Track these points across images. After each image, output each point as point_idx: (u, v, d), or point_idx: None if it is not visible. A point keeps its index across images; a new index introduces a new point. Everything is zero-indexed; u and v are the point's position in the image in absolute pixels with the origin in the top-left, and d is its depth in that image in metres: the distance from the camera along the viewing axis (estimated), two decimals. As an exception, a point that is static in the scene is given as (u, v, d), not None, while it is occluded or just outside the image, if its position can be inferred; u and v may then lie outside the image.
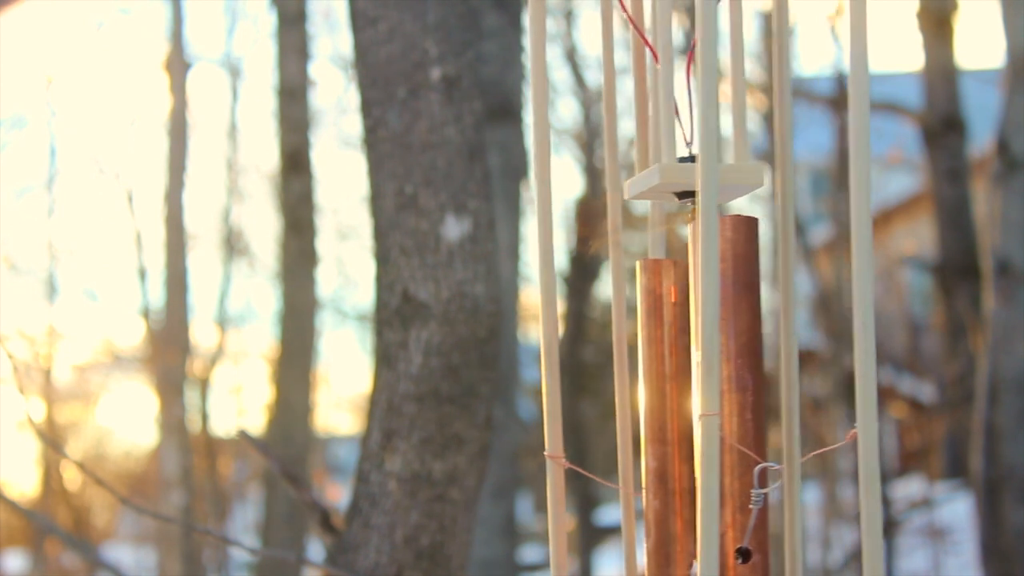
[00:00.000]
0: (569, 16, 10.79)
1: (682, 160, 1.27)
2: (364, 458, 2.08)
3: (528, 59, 5.32)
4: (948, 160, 8.13)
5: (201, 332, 12.47)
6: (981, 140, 9.56)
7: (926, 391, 10.51)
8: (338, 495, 14.41)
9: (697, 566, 1.27)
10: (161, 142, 11.43)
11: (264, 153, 15.05)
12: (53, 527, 2.73)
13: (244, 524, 14.07)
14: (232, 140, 12.15)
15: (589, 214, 10.62)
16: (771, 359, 3.17)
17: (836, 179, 8.18)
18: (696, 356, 1.23)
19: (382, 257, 2.09)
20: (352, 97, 11.73)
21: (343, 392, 17.65)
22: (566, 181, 14.91)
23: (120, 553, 15.07)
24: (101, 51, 21.39)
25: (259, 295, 17.99)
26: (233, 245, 12.35)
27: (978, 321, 6.71)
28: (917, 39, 8.34)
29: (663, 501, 1.29)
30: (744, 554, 1.21)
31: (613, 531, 11.96)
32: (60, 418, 13.55)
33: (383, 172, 2.08)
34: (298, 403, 6.80)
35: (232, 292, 13.03)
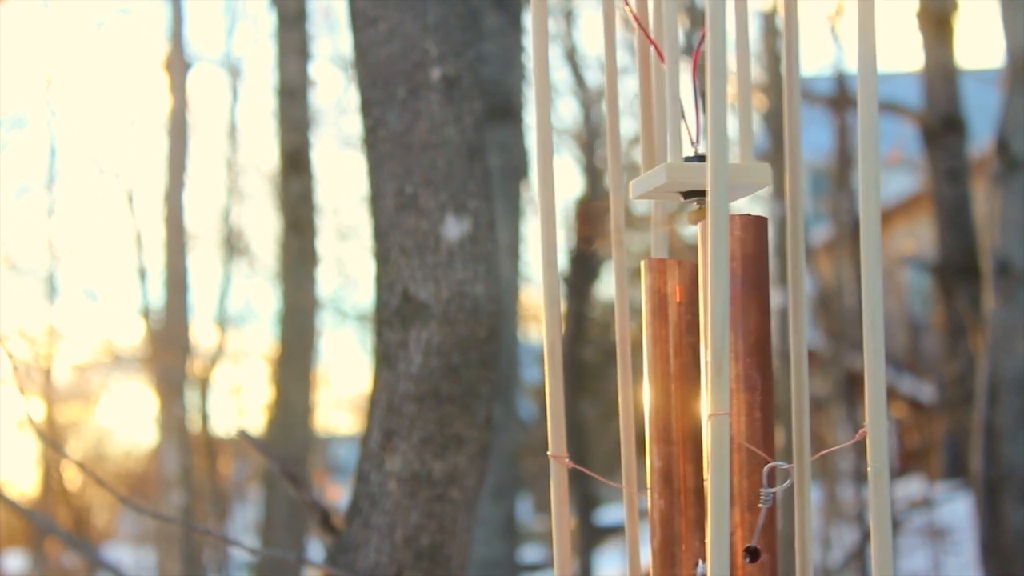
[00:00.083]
0: (569, 16, 10.79)
1: (688, 160, 1.27)
2: (364, 458, 2.08)
3: (528, 59, 5.34)
4: (948, 160, 8.13)
5: (201, 332, 12.47)
6: (981, 140, 9.56)
7: (926, 391, 10.51)
8: (338, 495, 14.41)
9: (703, 565, 1.27)
10: (161, 142, 11.44)
11: (264, 153, 15.05)
12: (53, 527, 2.73)
13: (244, 524, 14.07)
14: (232, 140, 12.15)
15: (589, 214, 10.62)
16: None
17: (836, 179, 8.18)
18: (704, 355, 1.23)
19: (382, 257, 2.09)
20: (352, 97, 11.73)
21: (343, 392, 17.66)
22: (566, 181, 14.92)
23: (120, 553, 15.06)
24: (101, 51, 21.39)
25: (259, 295, 17.99)
26: (233, 245, 12.34)
27: (978, 321, 6.71)
28: (917, 39, 8.35)
29: (668, 501, 1.29)
30: (752, 553, 1.20)
31: (613, 531, 11.96)
32: (60, 418, 13.55)
33: (383, 172, 2.08)
34: (298, 403, 6.79)
35: (232, 292, 13.02)
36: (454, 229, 2.04)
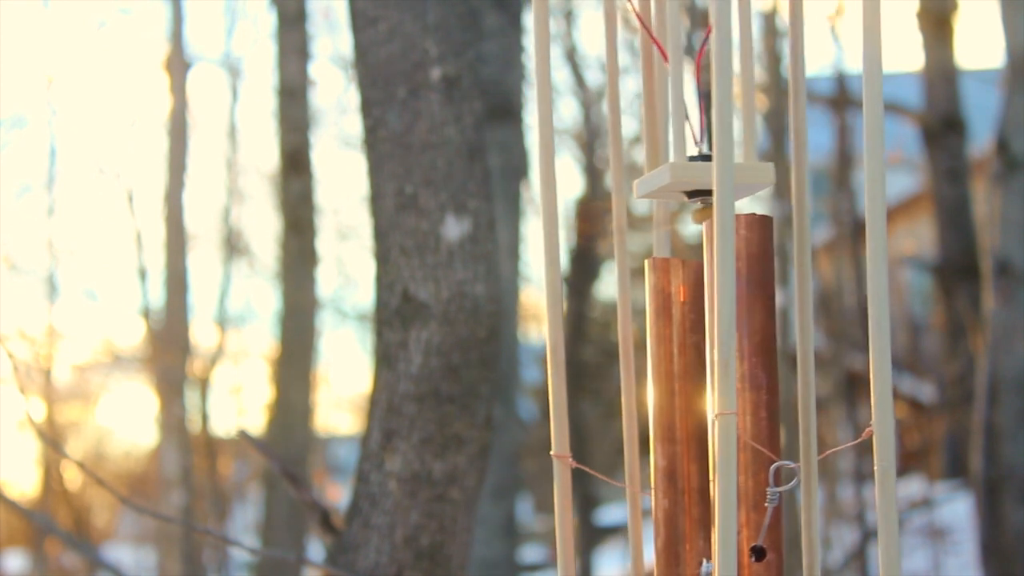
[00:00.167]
0: (569, 16, 10.79)
1: (692, 159, 1.27)
2: (364, 458, 2.08)
3: (528, 59, 5.34)
4: (948, 160, 8.13)
5: (201, 332, 12.47)
6: (981, 140, 9.56)
7: (926, 391, 10.51)
8: (338, 495, 14.41)
9: (707, 564, 1.27)
10: (161, 142, 11.43)
11: (264, 153, 15.06)
12: (53, 527, 2.73)
13: (244, 524, 14.07)
14: (232, 140, 12.15)
15: (589, 214, 10.62)
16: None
17: (836, 179, 8.19)
18: (709, 355, 1.23)
19: (382, 257, 2.09)
20: (352, 97, 11.73)
21: (343, 392, 17.66)
22: (566, 181, 14.92)
23: (120, 553, 15.07)
24: (101, 51, 21.39)
25: (259, 295, 18.00)
26: (233, 245, 12.35)
27: (978, 321, 6.71)
28: (917, 39, 8.35)
29: (672, 500, 1.29)
30: (758, 552, 1.20)
31: (613, 531, 11.96)
32: (60, 418, 13.54)
33: (383, 172, 2.08)
34: (298, 403, 6.79)
35: (232, 292, 13.03)
36: (454, 229, 2.04)
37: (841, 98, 7.69)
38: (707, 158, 1.27)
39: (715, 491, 1.19)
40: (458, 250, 2.04)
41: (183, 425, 8.76)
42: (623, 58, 10.55)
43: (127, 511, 13.13)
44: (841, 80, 7.74)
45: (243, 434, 2.38)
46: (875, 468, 1.18)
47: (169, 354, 8.74)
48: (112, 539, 16.83)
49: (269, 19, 10.62)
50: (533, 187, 8.08)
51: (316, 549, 8.20)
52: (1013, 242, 5.02)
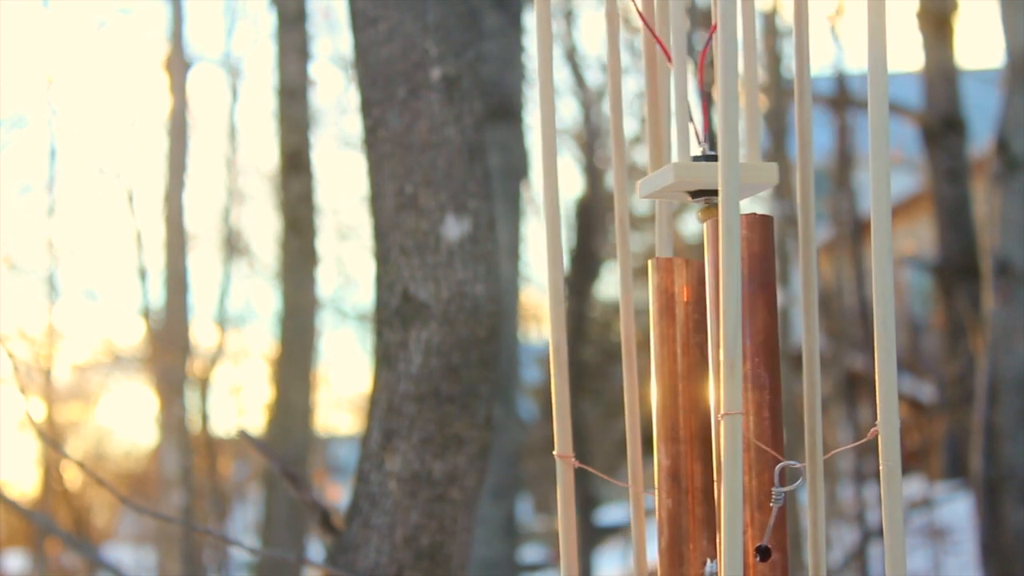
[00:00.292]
0: (569, 16, 10.79)
1: (696, 159, 1.27)
2: (364, 458, 2.08)
3: (528, 59, 5.32)
4: (948, 160, 8.13)
5: (201, 332, 12.47)
6: (981, 140, 9.56)
7: (926, 391, 10.51)
8: (338, 495, 14.41)
9: (711, 564, 1.27)
10: (161, 142, 11.43)
11: (264, 153, 15.06)
12: (53, 527, 2.73)
13: (244, 524, 14.07)
14: (232, 140, 12.15)
15: (590, 214, 10.62)
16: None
17: (836, 179, 8.19)
18: (711, 355, 1.23)
19: (382, 257, 2.09)
20: (352, 97, 11.73)
21: (343, 392, 17.66)
22: (566, 181, 14.92)
23: (120, 553, 15.07)
24: (102, 51, 21.40)
25: (259, 295, 18.00)
26: (233, 245, 12.34)
27: (978, 321, 6.71)
28: (917, 39, 8.36)
29: (676, 500, 1.29)
30: (763, 552, 1.20)
31: (613, 531, 11.96)
32: (60, 418, 13.54)
33: (383, 172, 2.08)
34: (298, 403, 6.79)
35: (232, 292, 13.02)
36: (454, 229, 2.04)
37: (841, 98, 7.69)
38: (711, 158, 1.27)
39: (719, 491, 1.19)
40: (458, 250, 2.04)
41: (183, 425, 8.76)
42: (623, 58, 10.55)
43: (127, 511, 13.13)
44: (841, 80, 7.74)
45: (243, 434, 2.38)
46: (880, 468, 1.18)
47: (169, 354, 8.74)
48: (112, 539, 16.84)
49: (269, 19, 10.62)
50: (533, 187, 8.08)
51: (316, 549, 8.20)
52: (1013, 242, 5.02)
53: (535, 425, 11.87)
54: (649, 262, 1.33)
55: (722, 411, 1.13)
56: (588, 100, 10.91)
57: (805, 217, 1.31)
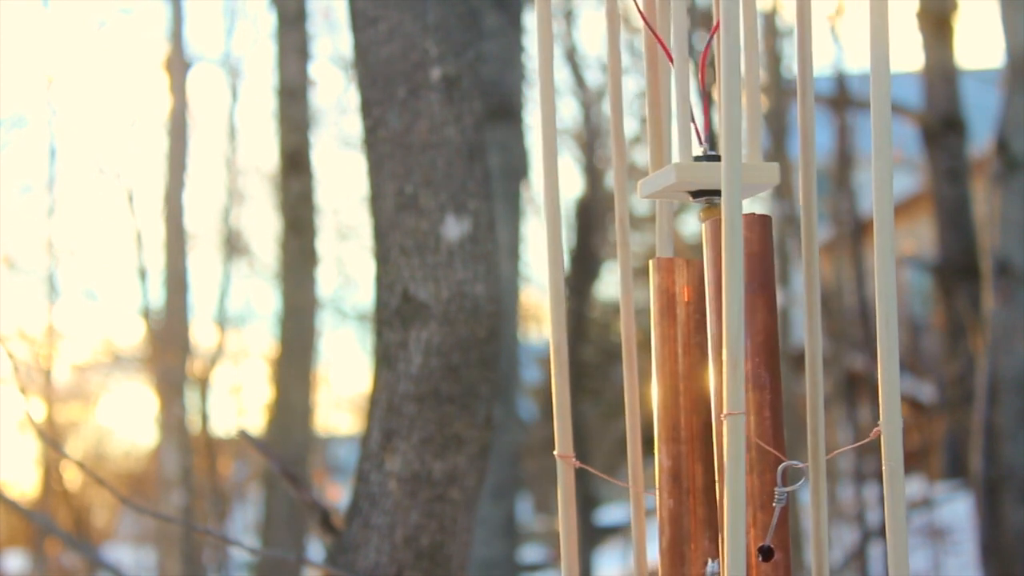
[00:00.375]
0: (569, 16, 10.79)
1: (697, 159, 1.27)
2: (364, 458, 2.08)
3: (528, 59, 5.32)
4: (948, 160, 8.13)
5: (201, 332, 12.47)
6: (981, 140, 9.56)
7: (926, 391, 10.51)
8: (338, 495, 14.41)
9: (712, 564, 1.27)
10: (161, 142, 11.43)
11: (264, 153, 15.07)
12: (53, 527, 2.73)
13: (244, 524, 14.07)
14: (232, 140, 12.15)
15: (589, 214, 10.62)
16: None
17: (835, 179, 8.18)
18: (712, 355, 1.23)
19: (382, 257, 2.09)
20: (352, 97, 11.73)
21: (343, 392, 17.66)
22: (566, 181, 14.92)
23: (120, 553, 15.07)
24: (102, 51, 21.39)
25: (259, 295, 18.01)
26: (233, 245, 12.35)
27: (978, 321, 6.71)
28: (917, 39, 8.35)
29: (677, 500, 1.29)
30: (766, 552, 1.20)
31: (613, 531, 11.96)
32: (60, 418, 13.54)
33: (383, 172, 2.08)
34: (298, 403, 6.79)
35: (232, 292, 13.03)
36: (454, 229, 2.04)
37: (841, 98, 7.69)
38: (712, 158, 1.27)
39: (722, 491, 1.19)
40: (458, 250, 2.04)
41: (183, 425, 8.76)
42: (623, 58, 10.54)
43: (127, 511, 13.13)
44: (841, 80, 7.74)
45: (243, 434, 2.38)
46: (883, 468, 1.18)
47: (169, 354, 8.74)
48: (112, 539, 16.83)
49: (269, 19, 10.62)
50: (533, 187, 8.09)
51: (316, 549, 8.20)
52: (1013, 242, 5.02)
53: (535, 425, 11.87)
54: (650, 262, 1.33)
55: (725, 411, 1.13)
56: (588, 100, 10.91)
57: (808, 217, 1.31)
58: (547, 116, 1.36)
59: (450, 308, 2.03)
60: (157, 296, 10.23)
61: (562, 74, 10.95)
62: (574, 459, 1.35)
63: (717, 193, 1.27)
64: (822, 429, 1.31)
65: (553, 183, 1.36)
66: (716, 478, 1.25)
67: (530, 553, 12.72)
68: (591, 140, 10.83)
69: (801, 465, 1.23)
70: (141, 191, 21.63)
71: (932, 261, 8.78)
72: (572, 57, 10.89)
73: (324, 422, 15.67)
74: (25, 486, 13.80)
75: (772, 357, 1.23)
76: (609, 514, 12.48)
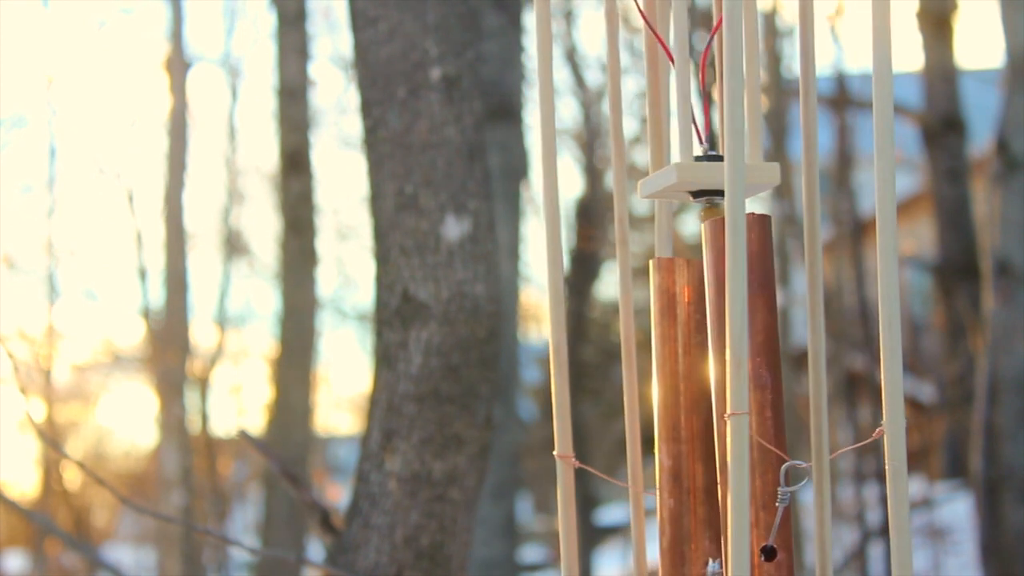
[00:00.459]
0: (569, 16, 10.79)
1: (698, 159, 1.27)
2: (364, 458, 2.08)
3: (528, 59, 5.32)
4: (948, 160, 8.13)
5: (201, 332, 12.47)
6: (981, 140, 9.56)
7: (926, 391, 10.51)
8: (338, 495, 14.41)
9: (713, 564, 1.27)
10: (161, 142, 11.43)
11: (264, 153, 15.07)
12: (53, 527, 2.73)
13: (244, 524, 14.08)
14: (232, 140, 12.15)
15: (589, 214, 10.62)
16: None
17: (835, 179, 8.18)
18: (712, 354, 1.23)
19: (382, 257, 2.09)
20: (352, 97, 11.73)
21: (343, 392, 17.66)
22: (566, 181, 14.92)
23: (120, 553, 15.07)
24: (101, 51, 21.40)
25: (259, 295, 18.01)
26: (233, 245, 12.35)
27: (978, 321, 6.71)
28: (917, 39, 8.35)
29: (678, 500, 1.29)
30: (769, 552, 1.20)
31: (613, 531, 11.96)
32: (60, 418, 13.54)
33: (383, 172, 2.08)
34: (298, 403, 6.79)
35: (232, 292, 13.03)
36: (454, 229, 2.04)
37: (841, 98, 7.69)
38: (713, 158, 1.27)
39: (724, 491, 1.19)
40: (458, 250, 2.04)
41: (183, 425, 8.76)
42: (623, 58, 10.53)
43: (127, 511, 13.13)
44: (841, 80, 7.74)
45: (243, 434, 2.38)
46: (887, 468, 1.17)
47: (169, 354, 8.74)
48: (112, 539, 16.83)
49: (269, 19, 10.62)
50: (533, 187, 8.09)
51: (316, 549, 8.20)
52: (1013, 242, 5.02)
53: (535, 425, 11.87)
54: (650, 262, 1.33)
55: (728, 411, 1.13)
56: (588, 100, 10.91)
57: (810, 217, 1.31)
58: (546, 116, 1.36)
59: (450, 308, 2.03)
60: (157, 296, 10.24)
61: (562, 74, 10.95)
62: (574, 459, 1.35)
63: (718, 193, 1.27)
64: (826, 428, 1.30)
65: (552, 183, 1.36)
66: (717, 478, 1.25)
67: (530, 553, 12.72)
68: (591, 140, 10.83)
69: (805, 465, 1.23)
70: (141, 191, 21.64)
71: (932, 261, 8.78)
72: (572, 57, 10.89)
73: (324, 422, 15.68)
74: (25, 486, 13.80)
75: (773, 357, 1.23)
76: (609, 514, 12.47)
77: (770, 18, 7.36)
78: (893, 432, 1.17)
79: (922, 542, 7.54)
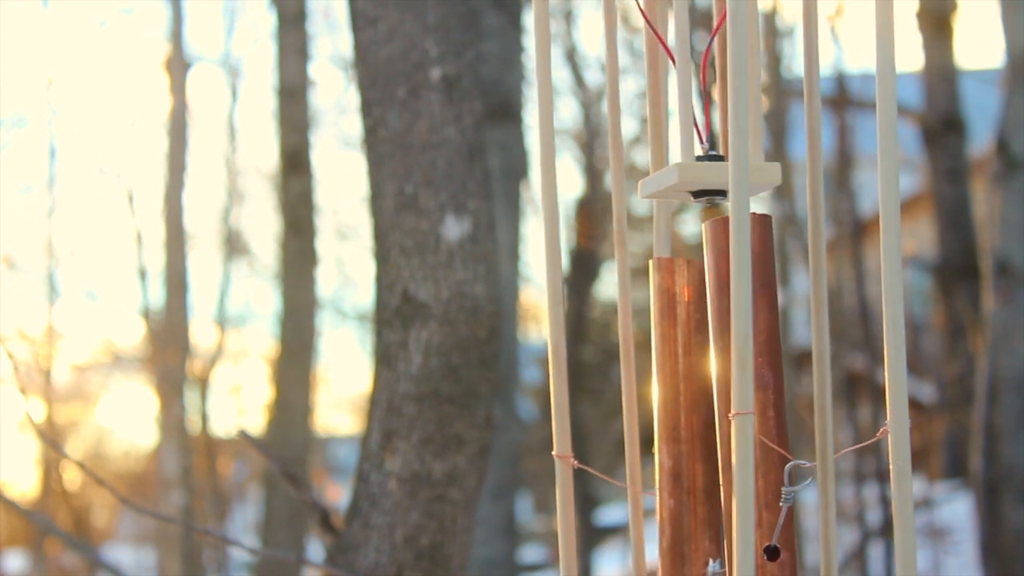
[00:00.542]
0: (569, 16, 10.79)
1: (699, 159, 1.27)
2: (364, 458, 2.08)
3: (528, 59, 5.34)
4: (948, 160, 8.13)
5: (201, 332, 12.48)
6: (981, 140, 9.56)
7: (926, 391, 10.51)
8: (338, 495, 14.41)
9: (713, 565, 1.27)
10: (161, 142, 11.43)
11: (264, 153, 15.07)
12: (53, 527, 2.73)
13: (244, 524, 14.08)
14: (232, 140, 12.16)
15: (589, 214, 10.61)
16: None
17: (835, 179, 8.18)
18: (715, 354, 1.23)
19: (382, 257, 2.09)
20: (352, 97, 11.73)
21: (343, 392, 17.67)
22: (566, 181, 14.93)
23: (120, 553, 15.07)
24: (101, 51, 21.40)
25: (259, 295, 18.02)
26: (233, 245, 12.35)
27: (978, 321, 6.71)
28: (917, 39, 8.35)
29: (678, 500, 1.29)
30: (772, 552, 1.20)
31: (613, 531, 11.95)
32: (60, 418, 13.54)
33: (383, 172, 2.08)
34: (298, 403, 6.79)
35: (232, 292, 13.03)
36: (454, 229, 2.04)
37: (841, 98, 7.69)
38: (714, 158, 1.27)
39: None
40: (458, 250, 2.04)
41: (183, 425, 8.76)
42: (623, 58, 10.54)
43: (127, 511, 13.13)
44: (841, 80, 7.74)
45: (243, 434, 2.38)
46: (891, 467, 1.17)
47: (169, 354, 8.74)
48: (112, 539, 16.83)
49: (269, 19, 10.62)
50: (533, 187, 8.08)
51: (316, 549, 8.20)
52: (1013, 242, 5.02)
53: (535, 425, 11.86)
54: (650, 262, 1.33)
55: (733, 411, 1.13)
56: (588, 100, 10.91)
57: (814, 217, 1.31)
58: (544, 116, 1.36)
59: (450, 308, 2.03)
60: (157, 296, 10.24)
61: (562, 74, 10.94)
62: (572, 459, 1.35)
63: (719, 193, 1.27)
64: (830, 428, 1.30)
65: (551, 183, 1.36)
66: (720, 478, 1.25)
67: (530, 553, 12.72)
68: (591, 140, 10.83)
69: (810, 464, 1.23)
70: (141, 191, 21.65)
71: (932, 261, 8.78)
72: (572, 57, 10.89)
73: (324, 422, 15.69)
74: (25, 486, 13.80)
75: (775, 357, 1.23)
76: (609, 514, 12.47)
77: (770, 18, 7.36)
78: (897, 432, 1.17)
79: (922, 542, 7.54)
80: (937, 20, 8.16)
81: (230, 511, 13.10)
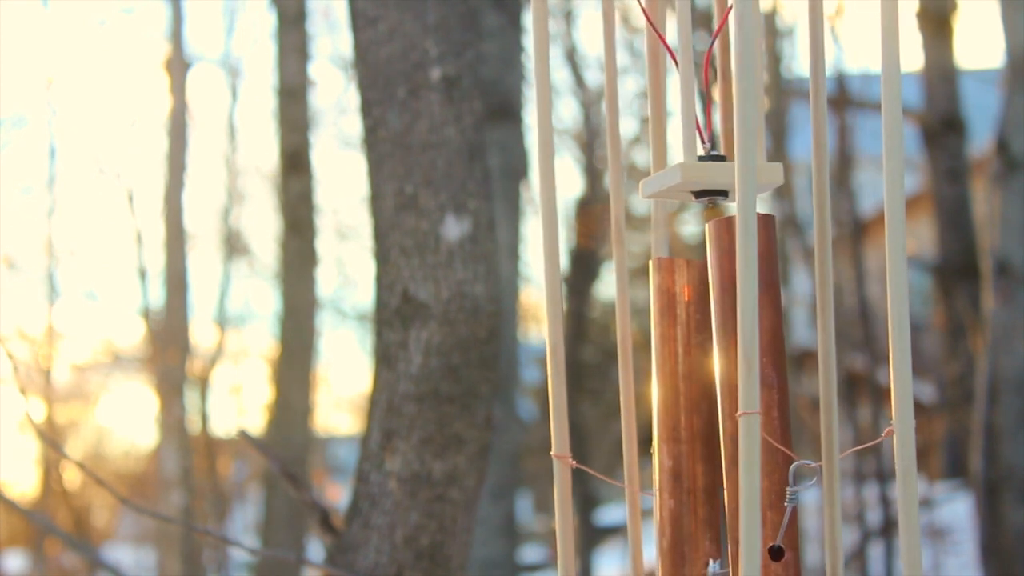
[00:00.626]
0: (569, 16, 10.79)
1: (701, 159, 1.27)
2: (364, 458, 2.08)
3: (528, 59, 5.34)
4: (948, 160, 8.13)
5: (201, 332, 12.48)
6: (981, 140, 9.56)
7: (926, 391, 10.51)
8: (338, 495, 14.41)
9: (713, 565, 1.27)
10: (161, 142, 11.43)
11: (264, 153, 15.07)
12: (53, 527, 2.73)
13: (244, 524, 14.08)
14: (232, 140, 12.16)
15: (589, 214, 10.62)
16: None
17: (835, 179, 8.18)
18: (720, 354, 1.23)
19: (382, 257, 2.09)
20: (352, 97, 11.73)
21: (343, 392, 17.67)
22: (566, 181, 14.92)
23: (120, 553, 15.07)
24: (102, 51, 21.40)
25: (259, 295, 18.02)
26: (233, 245, 12.35)
27: (978, 321, 6.71)
28: (917, 39, 8.35)
29: (678, 500, 1.29)
30: (776, 552, 1.20)
31: (613, 531, 11.96)
32: (60, 418, 13.54)
33: (383, 172, 2.07)
34: (298, 403, 6.79)
35: (232, 292, 13.03)
36: (454, 229, 2.04)
37: (841, 98, 7.69)
38: (716, 158, 1.27)
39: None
40: (458, 250, 2.04)
41: (183, 425, 8.76)
42: (623, 58, 10.54)
43: (127, 511, 13.13)
44: (841, 80, 7.74)
45: (243, 434, 2.38)
46: (896, 467, 1.17)
47: (169, 354, 8.74)
48: (112, 539, 16.83)
49: (269, 19, 10.63)
50: (533, 187, 8.08)
51: (316, 549, 8.20)
52: (1013, 242, 5.02)
53: (535, 425, 11.86)
54: (650, 262, 1.33)
55: (740, 411, 1.13)
56: (588, 100, 10.91)
57: (820, 217, 1.31)
58: (543, 116, 1.36)
59: (450, 308, 2.03)
60: (157, 296, 10.24)
61: (562, 74, 10.95)
62: (571, 459, 1.35)
63: (721, 193, 1.27)
64: (835, 428, 1.30)
65: (549, 183, 1.35)
66: (721, 478, 1.25)
67: (530, 553, 12.72)
68: (591, 140, 10.83)
69: (815, 465, 1.23)
70: (141, 191, 21.65)
71: (932, 261, 8.78)
72: (572, 57, 10.89)
73: (324, 422, 15.69)
74: (25, 486, 13.80)
75: (779, 356, 1.23)
76: (609, 514, 12.47)
77: (770, 18, 7.36)
78: (902, 432, 1.17)
79: (922, 542, 7.53)
80: (937, 20, 8.16)
81: (230, 511, 13.10)
